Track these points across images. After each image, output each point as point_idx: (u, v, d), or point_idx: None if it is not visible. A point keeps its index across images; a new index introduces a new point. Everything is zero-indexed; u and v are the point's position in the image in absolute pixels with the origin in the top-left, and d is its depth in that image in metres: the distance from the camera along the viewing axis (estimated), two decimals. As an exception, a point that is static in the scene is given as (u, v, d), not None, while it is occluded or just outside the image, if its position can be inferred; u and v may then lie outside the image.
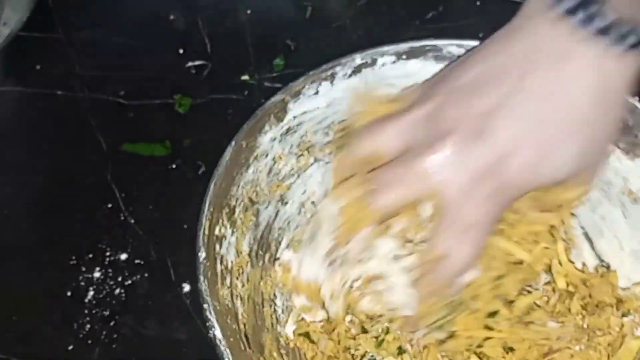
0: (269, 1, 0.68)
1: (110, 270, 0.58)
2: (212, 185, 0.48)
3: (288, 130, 0.51)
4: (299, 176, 0.54)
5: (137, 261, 0.58)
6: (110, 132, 0.63)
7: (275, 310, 0.53)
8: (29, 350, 0.56)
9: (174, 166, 0.61)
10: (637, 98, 0.47)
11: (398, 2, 0.67)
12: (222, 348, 0.44)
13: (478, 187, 0.39)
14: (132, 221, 0.59)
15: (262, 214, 0.53)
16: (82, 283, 0.58)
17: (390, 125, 0.42)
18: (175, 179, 0.61)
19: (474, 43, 0.46)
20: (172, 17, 0.67)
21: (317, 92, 0.50)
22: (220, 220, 0.49)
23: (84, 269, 0.58)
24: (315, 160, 0.54)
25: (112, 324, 0.57)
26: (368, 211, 0.43)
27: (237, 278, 0.51)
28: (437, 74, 0.45)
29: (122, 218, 0.60)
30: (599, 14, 0.35)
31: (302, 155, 0.53)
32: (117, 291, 0.58)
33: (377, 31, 0.66)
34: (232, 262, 0.50)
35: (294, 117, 0.51)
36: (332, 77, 0.50)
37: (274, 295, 0.53)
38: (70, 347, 0.56)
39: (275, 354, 0.51)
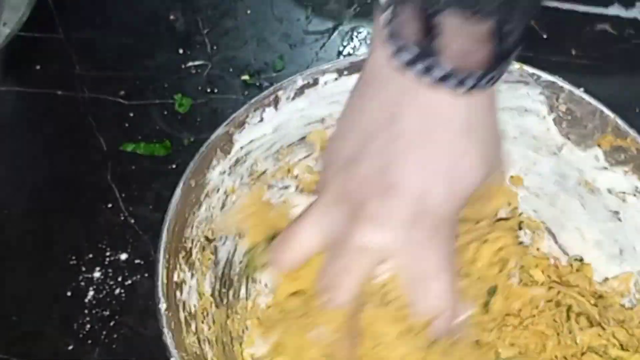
0: (269, 1, 0.68)
1: (110, 270, 0.58)
2: (164, 232, 0.46)
3: (237, 161, 0.50)
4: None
5: (137, 261, 0.58)
6: (110, 132, 0.63)
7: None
8: (29, 350, 0.56)
9: (174, 166, 0.61)
10: (582, 89, 0.49)
11: (398, 2, 0.67)
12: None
13: (415, 236, 0.40)
14: (132, 221, 0.60)
15: (221, 251, 0.52)
16: (82, 283, 0.58)
17: (304, 225, 0.43)
18: (175, 179, 0.61)
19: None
20: (172, 17, 0.67)
21: (261, 119, 0.49)
22: (178, 266, 0.47)
23: (84, 269, 0.58)
24: (269, 186, 0.53)
25: (112, 324, 0.57)
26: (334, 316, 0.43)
27: (203, 322, 0.49)
28: (322, 155, 0.47)
29: (122, 218, 0.60)
30: (436, 65, 0.36)
31: (254, 184, 0.52)
32: (117, 291, 0.58)
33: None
34: (195, 306, 0.49)
35: (241, 148, 0.50)
36: (276, 101, 0.49)
37: (243, 331, 0.52)
38: (70, 347, 0.56)
39: None
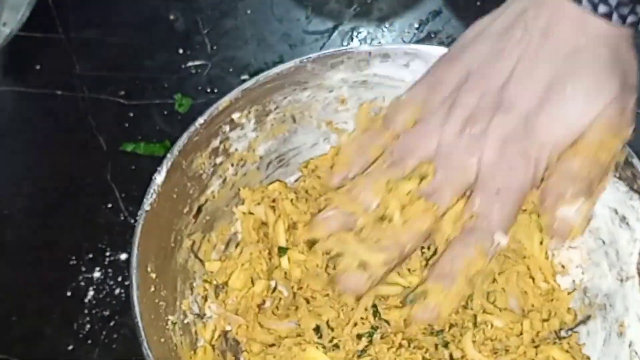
0: (269, 1, 0.67)
1: (110, 270, 0.58)
2: (252, 80, 0.48)
3: (364, 82, 0.51)
4: (354, 128, 0.53)
5: (137, 261, 0.58)
6: (110, 132, 0.63)
7: None
8: (29, 350, 0.56)
9: (174, 166, 0.61)
10: None
11: (398, 2, 0.67)
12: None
13: (506, 153, 0.43)
14: (132, 221, 0.59)
15: (299, 136, 0.53)
16: (82, 283, 0.58)
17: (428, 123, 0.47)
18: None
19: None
20: (172, 17, 0.67)
21: (407, 65, 0.50)
22: (246, 111, 0.49)
23: (84, 269, 0.58)
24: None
25: (112, 324, 0.57)
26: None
27: (232, 164, 0.51)
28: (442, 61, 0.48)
29: (122, 218, 0.60)
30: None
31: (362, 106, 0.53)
32: (117, 291, 0.58)
33: (377, 32, 0.66)
34: (237, 149, 0.51)
35: (375, 75, 0.50)
36: (428, 58, 0.49)
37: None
38: (70, 347, 0.56)
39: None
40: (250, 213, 0.52)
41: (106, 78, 0.65)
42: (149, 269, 0.46)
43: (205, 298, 0.51)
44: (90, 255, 0.59)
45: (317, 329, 0.49)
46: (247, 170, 0.52)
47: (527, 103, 0.43)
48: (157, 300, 0.47)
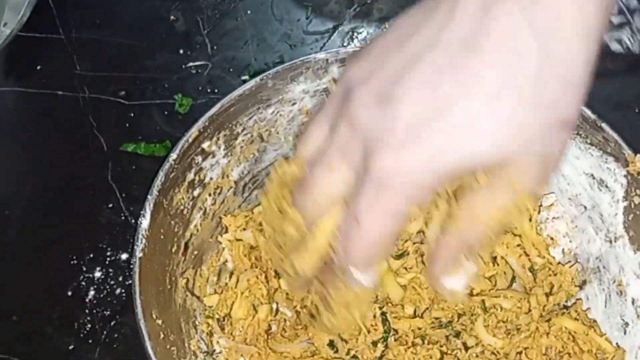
0: (269, 1, 0.68)
1: (111, 270, 0.58)
2: (217, 105, 0.48)
3: (324, 90, 0.51)
4: None
5: (137, 261, 0.58)
6: (111, 132, 0.63)
7: None
8: (30, 350, 0.56)
9: (174, 166, 0.62)
10: None
11: (398, 2, 0.67)
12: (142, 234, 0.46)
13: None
14: (133, 221, 0.60)
15: (269, 154, 0.53)
16: (83, 283, 0.58)
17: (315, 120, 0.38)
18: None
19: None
20: (172, 17, 0.67)
21: None
22: (215, 138, 0.49)
23: (84, 268, 0.58)
24: None
25: (112, 323, 0.57)
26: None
27: (210, 194, 0.51)
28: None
29: (123, 218, 0.60)
30: None
31: None
32: (118, 291, 0.58)
33: (377, 32, 0.66)
34: (212, 178, 0.50)
35: (335, 80, 0.50)
36: None
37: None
38: (71, 347, 0.56)
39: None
40: (238, 240, 0.52)
41: (107, 78, 0.65)
42: (154, 316, 0.46)
43: (211, 334, 0.51)
44: (91, 255, 0.59)
45: (331, 344, 0.49)
46: (225, 197, 0.53)
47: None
48: (168, 347, 0.47)
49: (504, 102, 0.31)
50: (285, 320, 0.51)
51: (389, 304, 0.49)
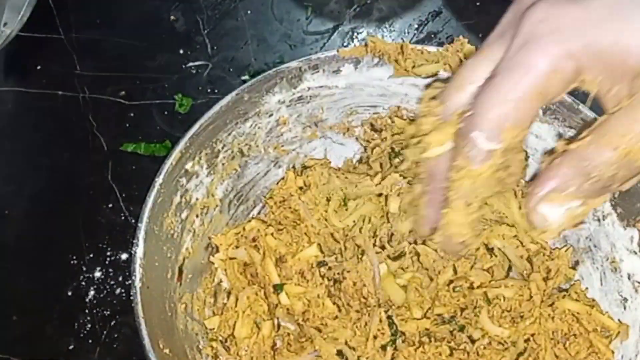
0: (269, 1, 0.68)
1: (111, 270, 0.58)
2: (196, 125, 0.48)
3: (300, 98, 0.51)
4: (300, 146, 0.54)
5: (137, 261, 0.58)
6: (111, 132, 0.63)
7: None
8: (30, 350, 0.56)
9: (174, 166, 0.62)
10: None
11: (397, 3, 0.67)
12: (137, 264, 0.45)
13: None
14: (133, 221, 0.60)
15: (250, 168, 0.53)
16: (83, 283, 0.58)
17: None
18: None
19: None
20: (172, 17, 0.67)
21: (338, 71, 0.50)
22: (197, 158, 0.49)
23: (84, 268, 0.58)
24: (323, 136, 0.54)
25: (112, 323, 0.57)
26: None
27: (197, 215, 0.51)
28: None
29: (123, 218, 0.60)
30: None
31: (309, 127, 0.53)
32: (118, 291, 0.58)
33: (377, 32, 0.66)
34: (197, 199, 0.50)
35: (309, 88, 0.50)
36: (357, 62, 0.50)
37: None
38: (71, 347, 0.56)
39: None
40: (231, 258, 0.52)
41: (107, 78, 0.65)
42: (161, 346, 0.46)
43: (216, 356, 0.50)
44: (91, 255, 0.59)
45: (339, 354, 0.49)
46: (212, 216, 0.52)
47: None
48: None
49: None
50: (289, 334, 0.51)
51: (393, 307, 0.49)
